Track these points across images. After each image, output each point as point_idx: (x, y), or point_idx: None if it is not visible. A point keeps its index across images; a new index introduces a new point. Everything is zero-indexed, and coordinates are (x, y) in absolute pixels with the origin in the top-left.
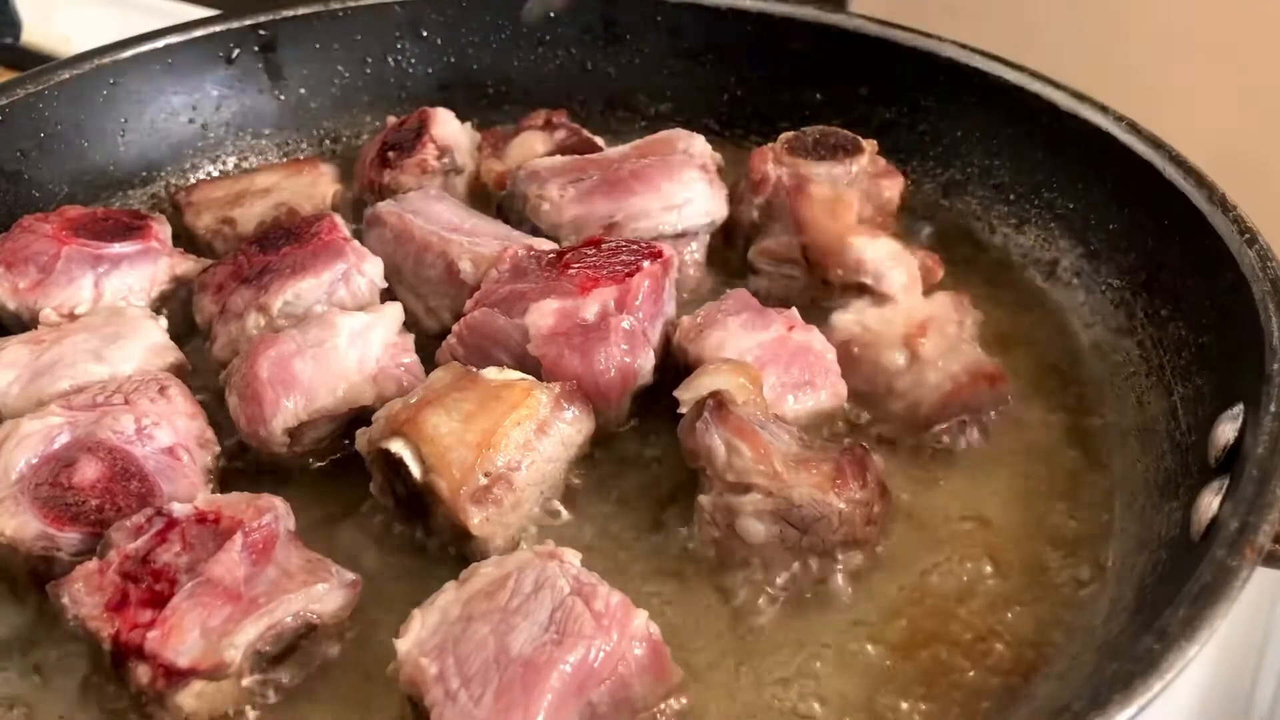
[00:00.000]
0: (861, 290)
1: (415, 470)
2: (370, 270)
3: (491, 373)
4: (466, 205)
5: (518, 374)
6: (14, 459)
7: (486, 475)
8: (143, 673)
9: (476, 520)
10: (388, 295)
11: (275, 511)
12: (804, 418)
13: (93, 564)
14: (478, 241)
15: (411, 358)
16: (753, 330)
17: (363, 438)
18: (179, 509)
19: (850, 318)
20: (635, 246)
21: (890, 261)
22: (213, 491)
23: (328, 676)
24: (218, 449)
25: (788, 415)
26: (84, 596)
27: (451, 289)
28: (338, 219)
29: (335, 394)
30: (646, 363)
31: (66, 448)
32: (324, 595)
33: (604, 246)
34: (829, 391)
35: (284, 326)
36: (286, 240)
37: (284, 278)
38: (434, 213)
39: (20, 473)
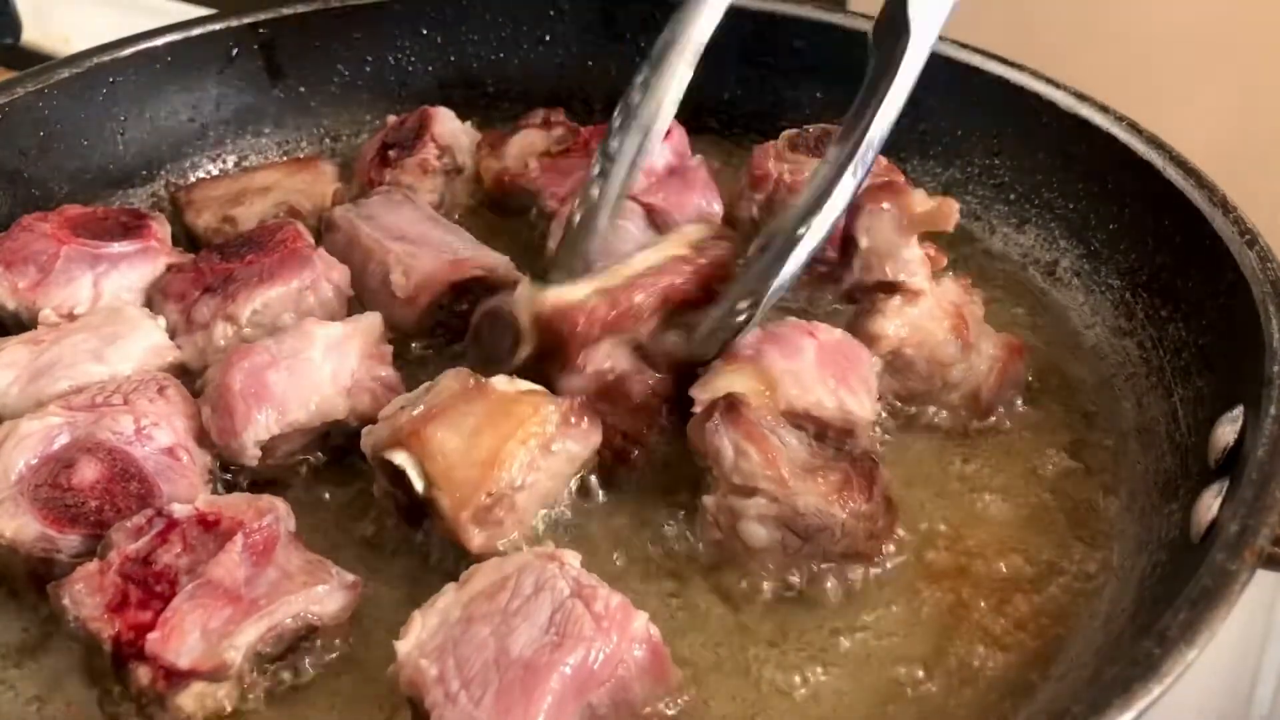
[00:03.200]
0: (891, 289)
1: (418, 484)
2: (338, 279)
3: (501, 382)
4: (432, 214)
5: (527, 384)
6: (13, 460)
7: (489, 495)
8: (143, 674)
9: (477, 541)
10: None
11: (276, 513)
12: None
13: (93, 565)
14: (416, 253)
15: (388, 371)
16: (795, 356)
17: (368, 439)
18: (180, 510)
19: (893, 322)
20: None
21: (919, 258)
22: (213, 492)
23: (328, 678)
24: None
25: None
26: (85, 597)
27: (386, 300)
28: (301, 227)
29: (308, 407)
30: None
31: (66, 449)
32: (324, 596)
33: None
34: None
35: (252, 336)
36: (250, 248)
37: (251, 286)
38: (388, 220)
39: (20, 474)
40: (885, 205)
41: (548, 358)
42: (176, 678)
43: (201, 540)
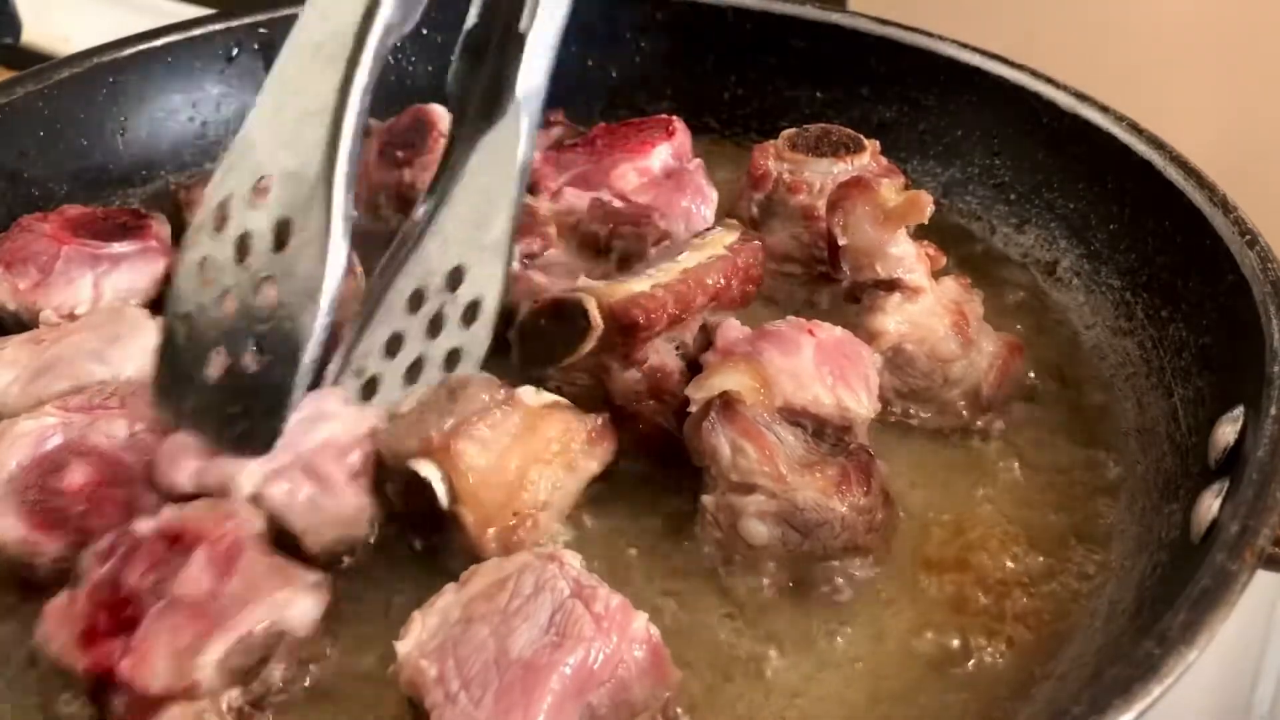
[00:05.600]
0: (890, 286)
1: (443, 498)
2: None
3: (528, 395)
4: None
5: (551, 396)
6: (6, 459)
7: (515, 515)
8: (119, 703)
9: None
10: None
11: (236, 519)
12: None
13: (63, 598)
14: None
15: None
16: (793, 354)
17: (388, 440)
18: (143, 527)
19: (894, 319)
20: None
21: (915, 255)
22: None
23: (327, 680)
24: None
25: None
26: (57, 631)
27: None
28: None
29: None
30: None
31: (58, 450)
32: (289, 601)
33: (617, 131)
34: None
35: None
36: None
37: None
38: None
39: (10, 473)
40: (855, 201)
41: (607, 351)
42: (151, 704)
43: (166, 557)
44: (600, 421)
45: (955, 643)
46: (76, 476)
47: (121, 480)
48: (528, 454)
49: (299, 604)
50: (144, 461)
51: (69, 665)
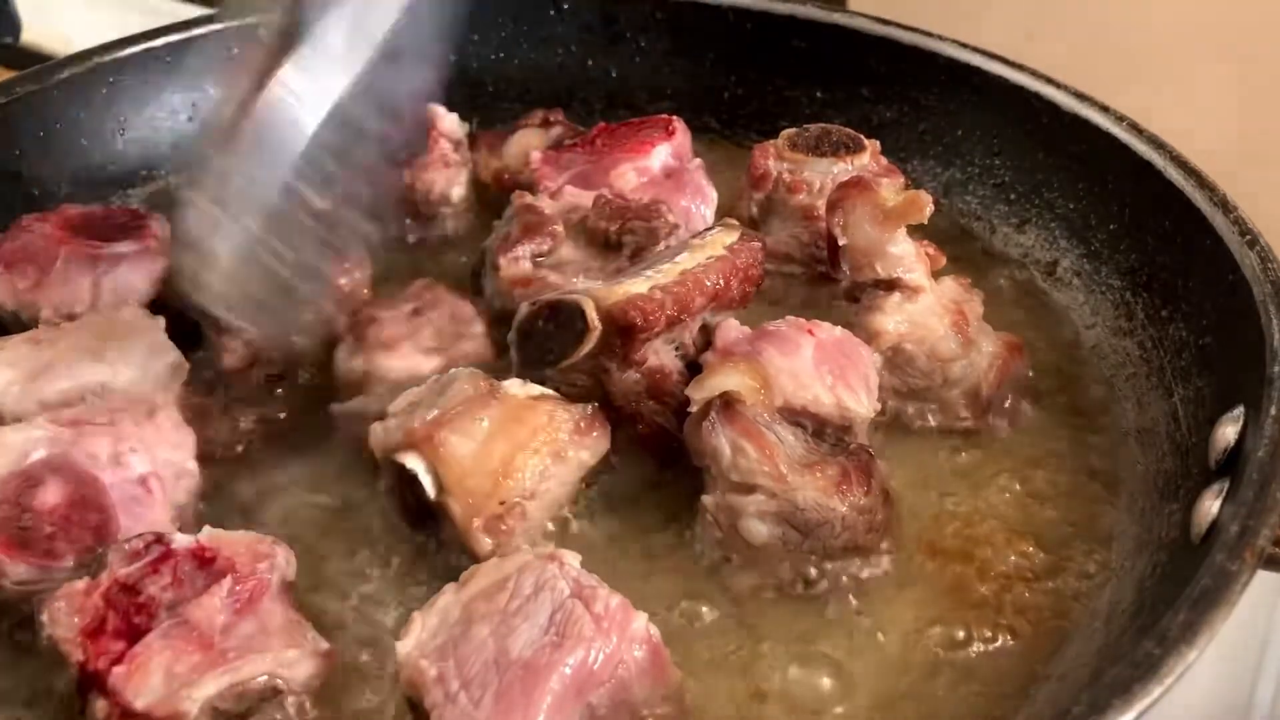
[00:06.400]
0: (890, 286)
1: (429, 489)
2: None
3: (514, 386)
4: None
5: (539, 389)
6: None
7: (501, 504)
8: (100, 708)
9: (486, 549)
10: None
11: (273, 560)
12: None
13: (81, 583)
14: None
15: None
16: (793, 354)
17: (377, 437)
18: (179, 540)
19: (893, 319)
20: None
21: (915, 254)
22: (179, 529)
23: (327, 680)
24: (195, 482)
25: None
26: (63, 616)
27: None
28: None
29: None
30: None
31: (37, 465)
32: (294, 661)
33: (617, 131)
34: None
35: None
36: None
37: None
38: None
39: None
40: (855, 201)
41: (605, 352)
42: (130, 718)
43: (191, 576)
44: (589, 411)
45: (960, 634)
46: (50, 496)
47: (94, 504)
48: (513, 443)
49: (302, 666)
50: (123, 483)
51: (65, 652)
